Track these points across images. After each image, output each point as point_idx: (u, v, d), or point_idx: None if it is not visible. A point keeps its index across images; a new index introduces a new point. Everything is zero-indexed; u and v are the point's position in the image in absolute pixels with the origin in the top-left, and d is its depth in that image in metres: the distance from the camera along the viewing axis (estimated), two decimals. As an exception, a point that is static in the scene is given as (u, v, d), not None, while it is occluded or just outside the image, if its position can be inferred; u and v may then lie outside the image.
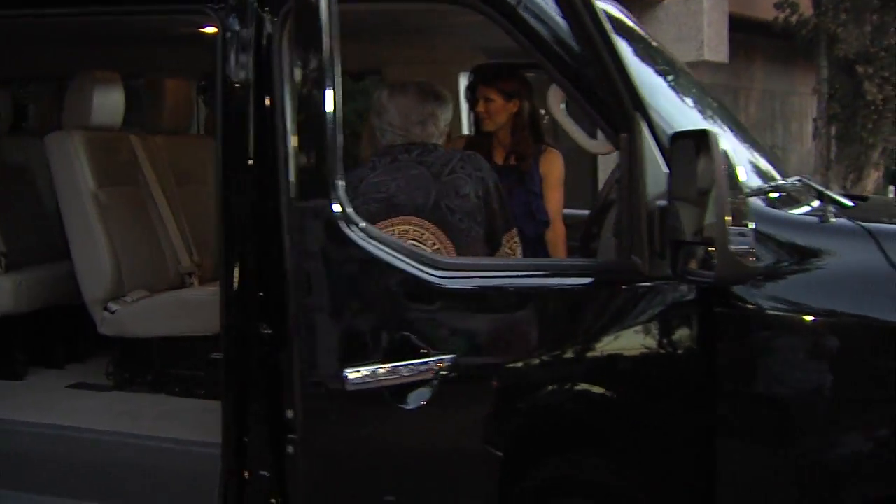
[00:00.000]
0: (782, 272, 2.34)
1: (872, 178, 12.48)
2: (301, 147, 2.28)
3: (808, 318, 2.30)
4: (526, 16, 2.45)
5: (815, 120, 12.94)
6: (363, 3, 2.78)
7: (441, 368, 2.25)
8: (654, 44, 3.21)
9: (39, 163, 4.23)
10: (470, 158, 2.90)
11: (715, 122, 3.06)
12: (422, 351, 2.25)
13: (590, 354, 2.38)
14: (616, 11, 3.15)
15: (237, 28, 2.46)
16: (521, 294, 2.40)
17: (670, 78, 3.10)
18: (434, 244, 2.75)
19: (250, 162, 2.46)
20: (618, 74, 2.27)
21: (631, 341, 2.36)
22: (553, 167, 3.92)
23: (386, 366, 2.21)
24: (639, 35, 3.11)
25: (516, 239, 3.00)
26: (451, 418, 2.35)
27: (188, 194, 4.40)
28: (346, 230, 2.27)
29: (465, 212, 2.78)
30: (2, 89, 4.63)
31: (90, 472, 2.99)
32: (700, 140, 2.12)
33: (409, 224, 2.76)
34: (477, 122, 4.02)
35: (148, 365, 3.76)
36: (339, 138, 2.24)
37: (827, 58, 12.12)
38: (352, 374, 2.19)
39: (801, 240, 2.38)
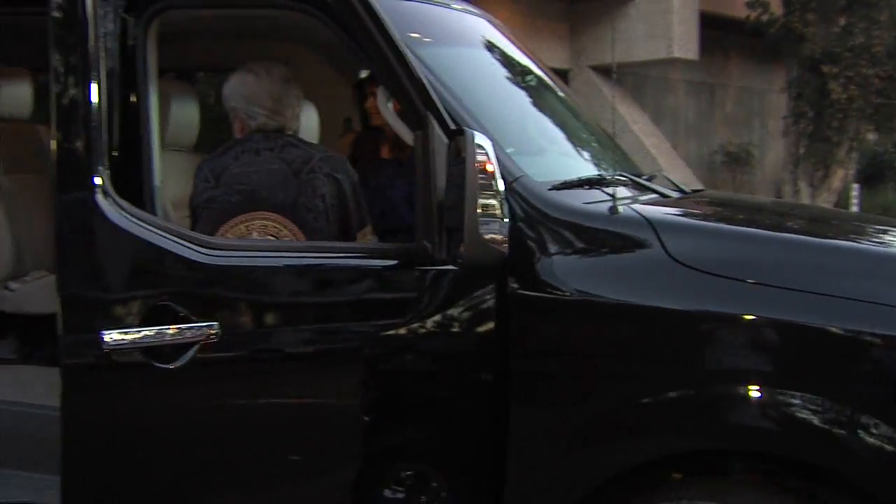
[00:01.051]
0: (565, 257, 2.56)
1: (839, 176, 12.65)
2: (62, 137, 2.48)
3: (576, 300, 2.50)
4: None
5: (784, 118, 13.13)
6: (215, 8, 3.03)
7: (204, 336, 2.46)
8: (512, 51, 3.43)
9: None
10: (329, 159, 3.00)
11: (544, 123, 3.31)
12: (181, 316, 2.47)
13: (379, 330, 2.56)
14: (480, 20, 3.40)
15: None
16: (304, 274, 2.62)
17: (512, 85, 3.36)
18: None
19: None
20: (406, 77, 2.50)
21: (421, 319, 2.55)
22: (436, 160, 4.13)
23: (142, 330, 2.44)
24: (492, 43, 3.35)
25: (369, 236, 3.18)
26: (211, 386, 2.56)
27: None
28: (111, 213, 2.49)
29: (320, 211, 2.93)
30: None
31: None
32: (459, 139, 2.36)
33: (269, 220, 2.93)
34: (365, 117, 4.25)
35: (45, 340, 4.02)
36: (104, 129, 2.47)
37: (795, 57, 12.30)
38: (109, 336, 2.42)
39: (590, 228, 2.58)
